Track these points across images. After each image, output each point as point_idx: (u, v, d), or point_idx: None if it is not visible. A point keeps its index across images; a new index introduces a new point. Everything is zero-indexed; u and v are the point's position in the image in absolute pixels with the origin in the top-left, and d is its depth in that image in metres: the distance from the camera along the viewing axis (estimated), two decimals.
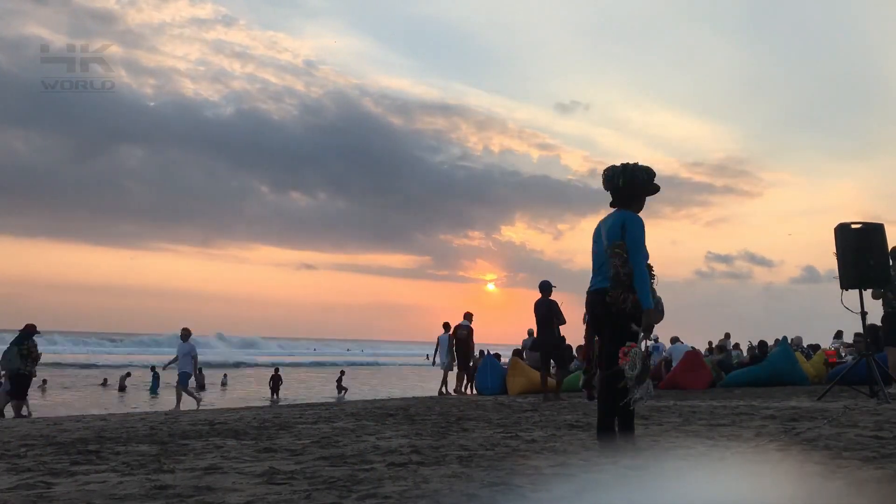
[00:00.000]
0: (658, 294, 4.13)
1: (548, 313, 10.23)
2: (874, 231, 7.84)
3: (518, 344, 16.11)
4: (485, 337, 16.37)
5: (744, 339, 18.10)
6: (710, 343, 17.93)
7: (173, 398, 14.45)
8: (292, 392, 21.41)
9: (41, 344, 13.21)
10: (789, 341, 14.87)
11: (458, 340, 14.53)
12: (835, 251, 7.98)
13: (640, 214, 4.18)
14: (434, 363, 15.19)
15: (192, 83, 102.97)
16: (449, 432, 5.32)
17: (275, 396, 20.03)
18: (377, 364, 48.20)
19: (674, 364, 14.34)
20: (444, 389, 14.35)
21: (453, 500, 2.73)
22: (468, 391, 14.65)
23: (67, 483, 3.30)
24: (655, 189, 4.21)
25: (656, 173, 4.19)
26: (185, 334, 14.73)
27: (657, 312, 4.07)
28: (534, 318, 10.60)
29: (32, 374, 12.54)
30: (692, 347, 15.90)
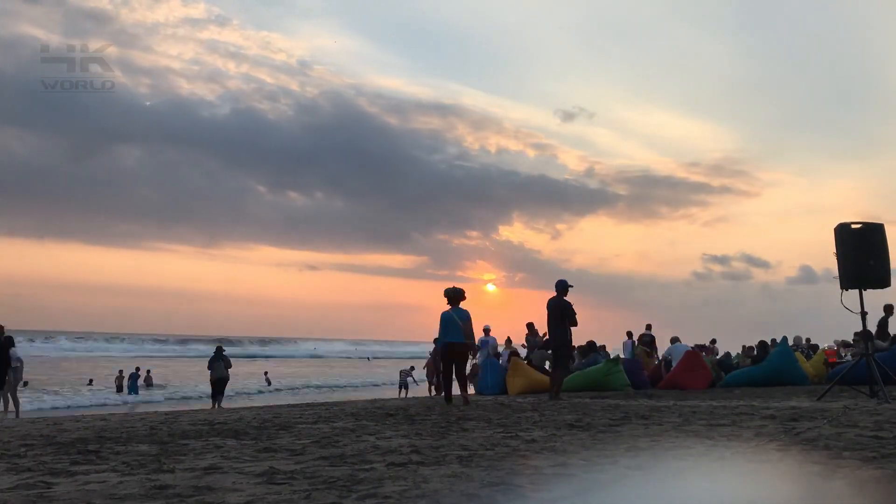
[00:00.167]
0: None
1: (561, 313, 10.18)
2: (874, 231, 7.84)
3: (517, 344, 16.14)
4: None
5: (737, 342, 18.16)
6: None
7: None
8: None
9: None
10: (790, 342, 14.87)
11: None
12: (835, 251, 7.98)
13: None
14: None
15: (187, 83, 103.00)
16: (449, 432, 5.32)
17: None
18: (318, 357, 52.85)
19: (674, 364, 14.35)
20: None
21: (453, 500, 2.73)
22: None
23: (67, 483, 3.30)
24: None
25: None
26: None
27: None
28: (541, 318, 10.57)
29: None
30: (694, 346, 15.91)
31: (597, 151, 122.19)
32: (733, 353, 17.53)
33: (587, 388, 12.43)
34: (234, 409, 10.96)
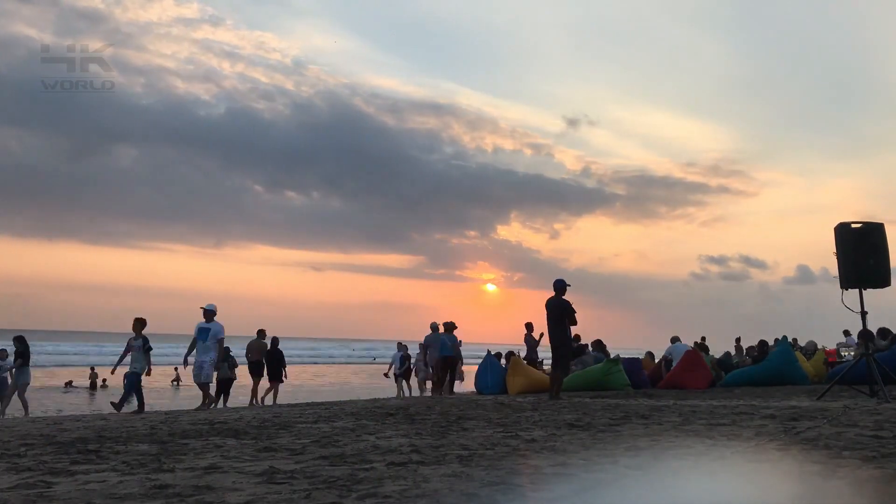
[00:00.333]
0: None
1: (561, 312, 10.20)
2: (874, 231, 7.83)
3: (516, 343, 16.14)
4: (483, 336, 16.49)
5: (730, 342, 18.16)
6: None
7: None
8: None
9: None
10: (802, 345, 14.87)
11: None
12: (835, 251, 7.98)
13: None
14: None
15: (182, 82, 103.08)
16: (449, 432, 5.32)
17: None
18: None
19: (674, 364, 14.34)
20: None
21: (453, 499, 2.73)
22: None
23: (67, 482, 3.30)
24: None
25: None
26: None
27: None
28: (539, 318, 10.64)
29: None
30: (694, 345, 15.89)
31: (593, 151, 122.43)
32: (732, 353, 17.53)
33: (587, 388, 12.43)
34: (234, 408, 10.96)
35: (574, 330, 10.79)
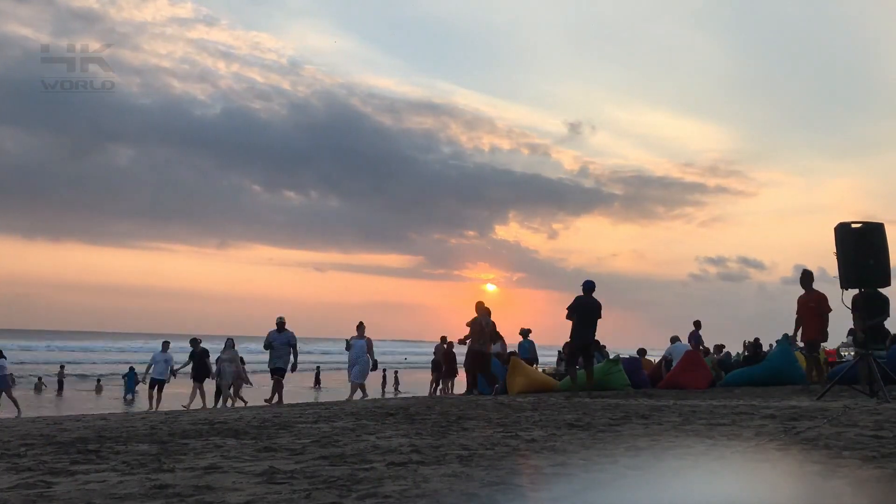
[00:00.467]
0: None
1: (593, 313, 10.46)
2: (874, 230, 7.83)
3: (515, 343, 16.16)
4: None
5: (733, 343, 18.17)
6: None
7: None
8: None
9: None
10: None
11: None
12: (834, 251, 7.98)
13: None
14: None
15: (178, 82, 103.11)
16: (449, 432, 5.32)
17: None
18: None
19: (674, 364, 14.34)
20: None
21: (453, 499, 2.73)
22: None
23: (67, 482, 3.30)
24: None
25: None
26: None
27: None
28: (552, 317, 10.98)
29: None
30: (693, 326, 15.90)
31: (591, 151, 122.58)
32: (733, 353, 17.52)
33: (587, 388, 12.44)
34: (234, 408, 10.96)
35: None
